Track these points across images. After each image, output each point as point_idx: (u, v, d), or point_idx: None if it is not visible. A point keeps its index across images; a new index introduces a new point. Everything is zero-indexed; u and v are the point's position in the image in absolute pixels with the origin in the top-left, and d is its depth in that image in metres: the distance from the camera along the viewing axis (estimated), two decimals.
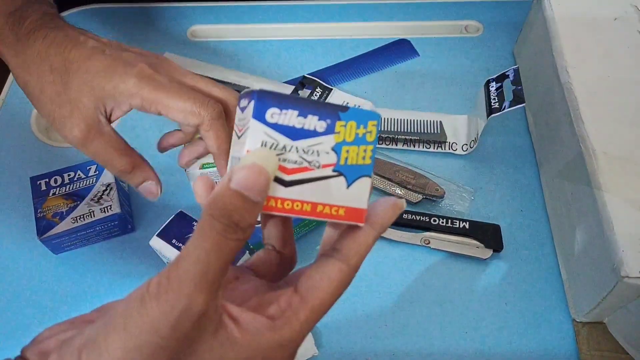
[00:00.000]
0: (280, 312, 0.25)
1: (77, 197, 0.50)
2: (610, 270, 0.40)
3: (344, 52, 0.68)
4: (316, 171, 0.26)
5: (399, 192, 0.54)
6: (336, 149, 0.26)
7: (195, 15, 0.73)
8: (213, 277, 0.22)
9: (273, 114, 0.24)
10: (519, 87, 0.51)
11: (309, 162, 0.25)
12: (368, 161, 0.27)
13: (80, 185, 0.51)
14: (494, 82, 0.55)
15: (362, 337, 0.47)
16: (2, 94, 0.65)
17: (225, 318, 0.24)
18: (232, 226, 0.23)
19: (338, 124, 0.26)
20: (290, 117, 0.25)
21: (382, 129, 0.59)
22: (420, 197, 0.54)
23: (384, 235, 0.52)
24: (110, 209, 0.49)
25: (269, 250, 0.30)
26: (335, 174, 0.26)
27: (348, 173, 0.26)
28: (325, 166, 0.26)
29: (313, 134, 0.25)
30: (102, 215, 0.49)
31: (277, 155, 0.25)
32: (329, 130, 0.26)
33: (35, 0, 0.43)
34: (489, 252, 0.50)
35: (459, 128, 0.59)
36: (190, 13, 0.73)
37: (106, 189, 0.50)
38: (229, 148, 0.34)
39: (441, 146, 0.58)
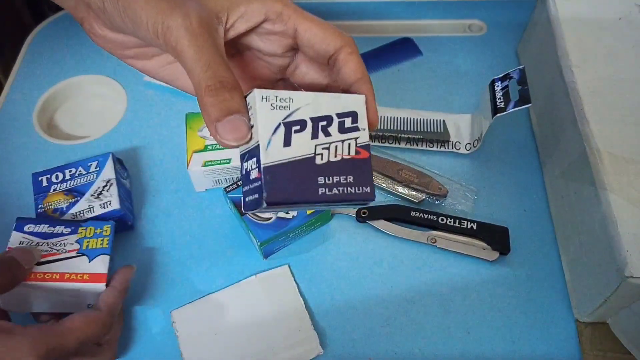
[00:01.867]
0: None
1: (77, 193, 0.50)
2: (614, 270, 0.40)
3: None
4: (63, 254, 0.43)
5: (402, 191, 0.54)
6: (79, 241, 0.44)
7: None
8: None
9: (29, 227, 0.44)
10: (525, 87, 0.51)
11: (58, 249, 0.43)
12: (106, 245, 0.44)
13: (81, 182, 0.50)
14: (499, 82, 0.54)
15: (365, 336, 0.47)
16: (4, 91, 0.65)
17: None
18: None
19: (80, 229, 0.45)
20: (43, 228, 0.44)
21: (386, 127, 0.59)
22: (423, 196, 0.54)
23: (391, 232, 0.51)
24: (109, 204, 0.49)
25: None
26: (79, 255, 0.43)
27: (89, 254, 0.43)
28: (70, 251, 0.43)
29: (61, 235, 0.44)
30: (102, 211, 0.49)
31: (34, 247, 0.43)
32: (73, 232, 0.45)
33: None
34: (495, 255, 0.50)
35: (462, 127, 0.59)
36: None
37: (106, 185, 0.50)
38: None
39: (444, 145, 0.58)
